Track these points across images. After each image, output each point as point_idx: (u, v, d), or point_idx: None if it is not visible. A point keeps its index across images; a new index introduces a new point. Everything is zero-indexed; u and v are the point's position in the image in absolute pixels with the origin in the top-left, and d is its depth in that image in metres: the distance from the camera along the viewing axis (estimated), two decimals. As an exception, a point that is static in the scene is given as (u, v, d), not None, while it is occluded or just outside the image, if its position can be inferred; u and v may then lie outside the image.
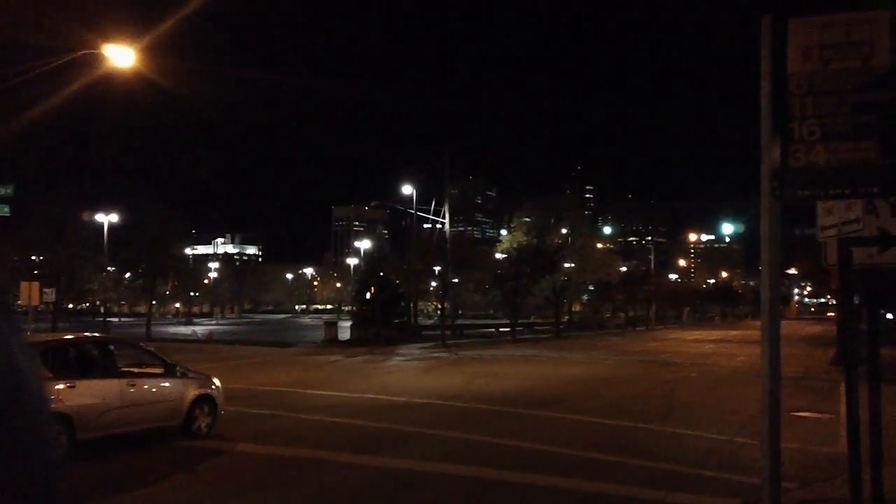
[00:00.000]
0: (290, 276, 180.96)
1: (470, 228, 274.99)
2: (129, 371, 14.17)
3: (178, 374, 14.83)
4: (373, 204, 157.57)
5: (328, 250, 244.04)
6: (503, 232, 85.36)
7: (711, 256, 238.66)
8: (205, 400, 14.92)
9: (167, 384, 14.44)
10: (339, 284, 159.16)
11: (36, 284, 34.48)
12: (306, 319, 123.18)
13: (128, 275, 65.82)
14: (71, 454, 11.42)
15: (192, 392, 14.72)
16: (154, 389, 14.16)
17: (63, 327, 60.25)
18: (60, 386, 12.20)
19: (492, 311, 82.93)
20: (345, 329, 55.69)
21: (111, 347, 14.44)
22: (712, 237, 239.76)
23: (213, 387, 15.33)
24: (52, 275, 53.94)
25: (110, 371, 13.60)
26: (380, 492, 10.54)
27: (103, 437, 12.79)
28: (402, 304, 57.83)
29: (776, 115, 5.87)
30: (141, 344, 17.82)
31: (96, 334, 18.05)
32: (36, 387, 1.22)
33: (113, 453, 12.67)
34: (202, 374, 15.77)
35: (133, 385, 13.65)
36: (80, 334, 17.15)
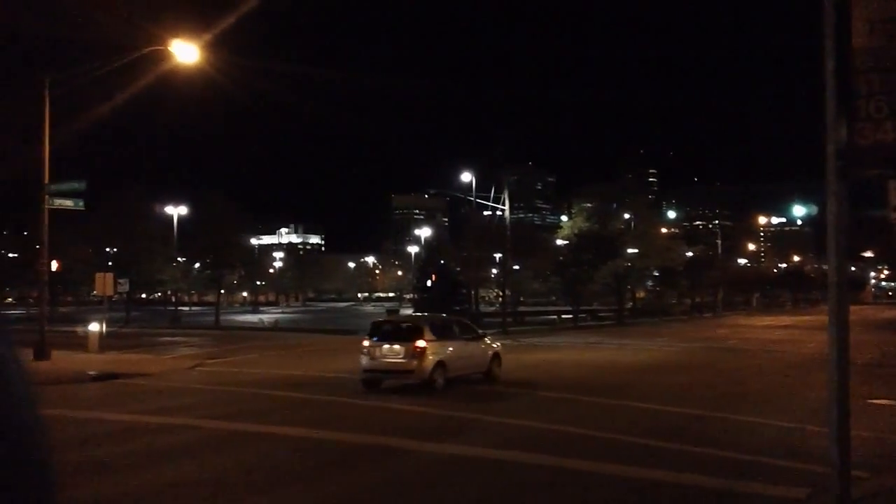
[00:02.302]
0: (351, 264, 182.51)
1: (530, 215, 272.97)
2: (463, 336, 22.26)
3: (483, 338, 23.15)
4: (432, 192, 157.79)
5: (389, 239, 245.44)
6: (563, 218, 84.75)
7: (782, 240, 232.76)
8: (496, 356, 22.61)
9: (481, 345, 22.54)
10: (399, 273, 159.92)
11: (110, 275, 35.38)
12: (368, 307, 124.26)
13: (196, 265, 67.28)
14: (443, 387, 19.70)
15: (490, 351, 22.58)
16: (475, 348, 22.12)
17: (135, 317, 61.99)
18: (439, 344, 20.42)
19: (553, 299, 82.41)
20: (406, 317, 56.01)
21: (453, 321, 23.51)
22: (783, 220, 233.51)
23: (499, 347, 23.24)
24: (125, 266, 55.41)
25: (457, 336, 21.83)
26: (444, 477, 10.60)
27: (455, 377, 20.34)
28: (463, 291, 57.90)
29: (841, 92, 5.70)
30: (463, 319, 27.05)
31: (443, 315, 26.90)
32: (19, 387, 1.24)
33: (464, 386, 20.41)
34: (493, 340, 24.05)
35: (467, 345, 21.83)
36: (441, 315, 26.82)
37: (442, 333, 21.03)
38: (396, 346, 20.09)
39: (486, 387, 20.76)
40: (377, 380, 20.37)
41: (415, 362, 19.71)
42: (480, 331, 24.50)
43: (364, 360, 20.44)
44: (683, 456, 11.71)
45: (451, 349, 20.72)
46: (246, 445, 12.62)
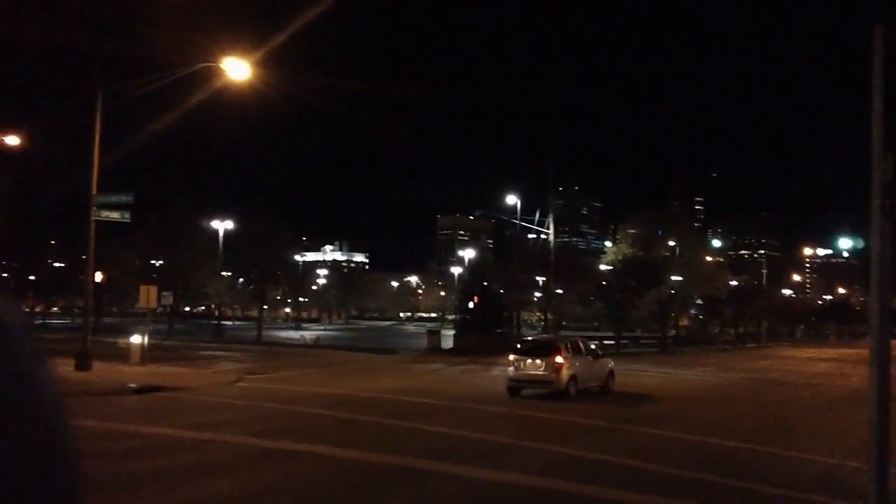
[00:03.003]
0: (395, 283, 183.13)
1: (574, 239, 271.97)
2: (588, 354, 26.35)
3: (601, 356, 27.71)
4: (477, 213, 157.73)
5: (432, 259, 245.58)
6: (608, 243, 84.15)
7: (827, 272, 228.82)
8: (611, 373, 27.16)
9: (599, 361, 26.92)
10: (442, 293, 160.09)
11: (154, 288, 35.88)
12: (410, 327, 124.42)
13: (240, 280, 67.97)
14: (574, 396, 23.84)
15: (607, 368, 27.08)
16: (596, 364, 26.46)
17: (178, 330, 62.78)
18: (572, 360, 24.64)
19: (595, 324, 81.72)
20: (447, 337, 55.94)
21: (580, 341, 27.16)
22: (829, 251, 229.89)
23: (612, 365, 27.69)
24: (170, 279, 56.20)
25: (584, 353, 25.98)
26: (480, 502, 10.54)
27: (583, 389, 24.57)
28: (505, 313, 57.72)
29: (888, 129, 5.62)
30: (587, 341, 28.86)
31: (575, 336, 30.07)
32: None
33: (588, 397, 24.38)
34: (608, 358, 28.56)
35: (593, 362, 26.26)
36: (573, 336, 31.44)
37: (574, 351, 25.36)
38: (538, 361, 24.37)
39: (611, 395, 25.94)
40: (520, 388, 24.58)
41: (554, 375, 24.00)
42: (600, 351, 28.56)
43: (511, 371, 24.82)
44: (725, 490, 11.53)
45: (579, 365, 25.01)
46: (282, 463, 12.68)
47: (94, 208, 28.75)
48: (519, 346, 26.27)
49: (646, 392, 27.14)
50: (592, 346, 27.50)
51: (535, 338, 33.24)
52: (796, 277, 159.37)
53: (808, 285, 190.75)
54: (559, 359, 24.08)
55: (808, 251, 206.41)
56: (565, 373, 23.98)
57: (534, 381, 24.28)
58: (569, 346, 25.41)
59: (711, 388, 30.60)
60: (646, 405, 23.32)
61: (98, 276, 37.71)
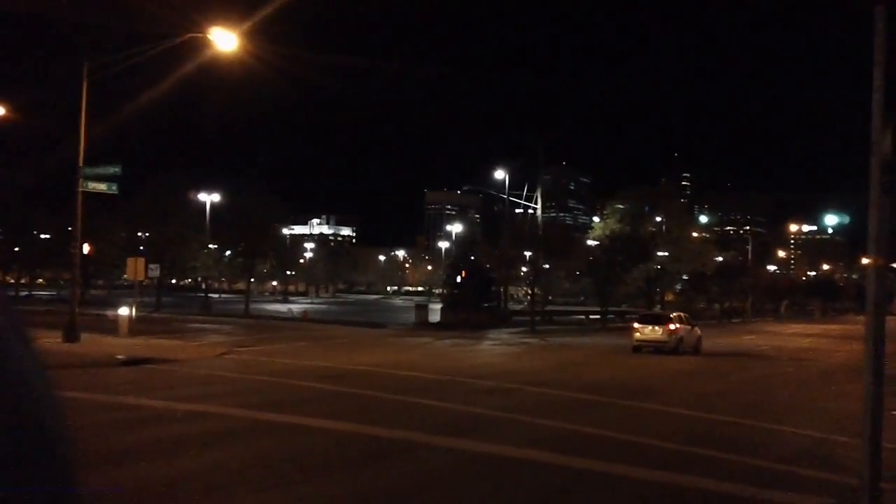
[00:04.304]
0: (382, 257, 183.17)
1: (562, 215, 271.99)
2: (688, 324, 35.63)
3: (695, 326, 36.29)
4: (465, 188, 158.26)
5: (421, 233, 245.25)
6: (596, 219, 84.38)
7: (812, 248, 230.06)
8: (699, 339, 35.86)
9: (694, 330, 35.72)
10: (430, 267, 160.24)
11: (141, 260, 35.74)
12: (398, 301, 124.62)
13: (228, 253, 67.81)
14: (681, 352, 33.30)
15: (697, 335, 35.78)
16: (693, 332, 35.38)
17: (166, 302, 62.69)
18: (680, 327, 34.34)
19: (582, 299, 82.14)
20: (435, 312, 56.08)
21: (682, 314, 37.47)
22: (814, 228, 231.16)
23: (700, 333, 36.40)
24: (158, 251, 56.01)
25: (686, 322, 35.74)
26: (468, 476, 10.63)
27: (683, 349, 33.50)
28: (493, 288, 57.90)
29: (889, 104, 5.63)
30: (684, 315, 38.01)
31: (680, 312, 39.88)
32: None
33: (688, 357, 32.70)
34: (698, 328, 36.91)
35: (691, 330, 35.20)
36: (680, 312, 40.06)
37: (680, 322, 35.14)
38: (658, 328, 34.17)
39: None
40: (642, 347, 33.93)
41: (667, 338, 33.53)
42: (694, 322, 37.87)
43: (636, 335, 34.41)
44: (710, 462, 11.65)
45: (683, 331, 34.56)
46: (275, 435, 12.73)
47: (82, 180, 28.54)
48: (640, 317, 36.87)
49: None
50: (689, 318, 37.57)
51: (652, 312, 44.54)
52: (781, 254, 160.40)
53: (793, 262, 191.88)
54: (672, 326, 34.05)
55: (793, 228, 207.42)
56: (675, 337, 33.52)
57: (653, 342, 33.64)
58: (677, 317, 35.71)
59: (697, 362, 30.88)
60: (631, 380, 23.47)
61: (85, 248, 37.49)
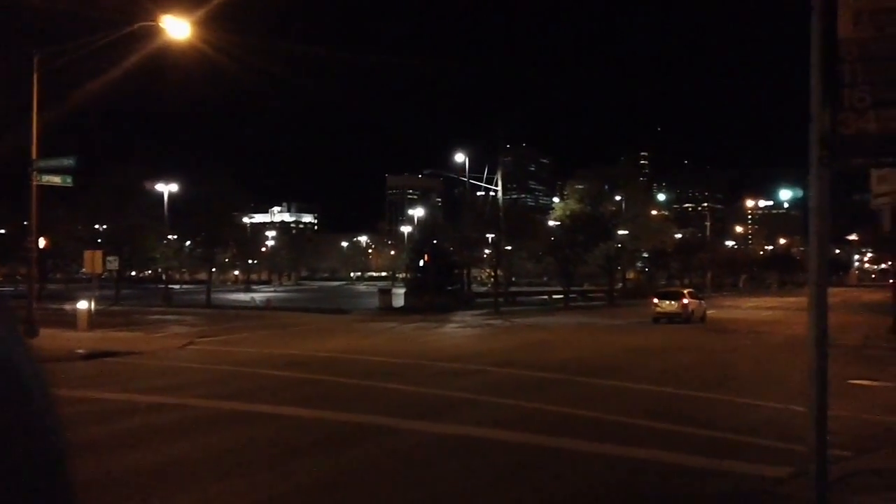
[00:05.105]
0: (345, 244, 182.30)
1: (523, 196, 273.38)
2: (697, 298, 43.52)
3: (702, 301, 44.20)
4: (426, 172, 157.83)
5: (382, 219, 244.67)
6: (556, 200, 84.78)
7: (769, 223, 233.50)
8: (705, 311, 43.09)
9: (702, 304, 43.47)
10: (393, 252, 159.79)
11: (99, 253, 35.25)
12: (361, 287, 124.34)
13: (188, 243, 67.07)
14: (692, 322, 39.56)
15: (703, 308, 43.08)
16: (700, 305, 42.73)
17: (126, 295, 61.94)
18: (690, 301, 41.65)
19: (545, 279, 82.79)
20: (399, 296, 56.08)
21: (692, 290, 49.05)
22: (770, 203, 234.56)
23: (706, 305, 44.24)
24: (116, 243, 55.25)
25: (695, 296, 43.66)
26: (434, 457, 10.75)
27: (693, 319, 40.29)
28: (456, 271, 58.02)
29: (826, 82, 5.80)
30: (693, 290, 47.30)
31: (691, 288, 53.85)
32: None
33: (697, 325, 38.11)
34: (703, 302, 44.66)
35: (699, 303, 42.83)
36: (691, 288, 55.29)
37: (691, 297, 42.28)
38: (673, 302, 41.15)
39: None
40: (660, 318, 39.81)
41: (682, 310, 40.23)
42: (700, 295, 46.93)
43: (656, 308, 40.69)
44: (671, 436, 11.90)
45: (693, 304, 41.46)
46: (241, 424, 12.74)
47: (35, 173, 28.05)
48: (658, 294, 43.98)
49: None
50: (697, 293, 47.15)
51: (668, 289, 53.91)
52: (739, 229, 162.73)
53: (750, 236, 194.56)
54: (685, 300, 41.09)
55: (750, 203, 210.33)
56: (688, 309, 40.25)
57: (669, 314, 39.92)
58: (688, 293, 43.21)
59: (659, 337, 31.28)
60: (595, 358, 23.75)
61: (42, 243, 36.88)
